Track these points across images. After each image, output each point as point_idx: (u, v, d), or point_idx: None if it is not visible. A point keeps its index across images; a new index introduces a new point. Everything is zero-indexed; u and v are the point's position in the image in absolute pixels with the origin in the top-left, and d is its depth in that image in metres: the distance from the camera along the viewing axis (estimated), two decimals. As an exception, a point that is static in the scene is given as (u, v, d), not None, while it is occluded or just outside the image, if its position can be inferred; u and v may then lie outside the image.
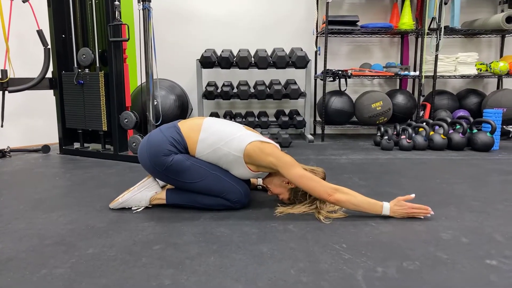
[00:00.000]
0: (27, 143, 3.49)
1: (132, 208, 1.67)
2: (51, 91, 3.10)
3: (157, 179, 1.71)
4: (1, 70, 2.88)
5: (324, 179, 1.62)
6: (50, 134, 3.53)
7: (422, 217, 1.54)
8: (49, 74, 3.02)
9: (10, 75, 2.93)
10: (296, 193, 1.64)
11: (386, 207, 1.51)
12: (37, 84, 2.90)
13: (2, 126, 3.04)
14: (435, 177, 2.24)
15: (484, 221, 1.51)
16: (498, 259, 1.18)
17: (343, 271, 1.11)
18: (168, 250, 1.26)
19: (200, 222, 1.51)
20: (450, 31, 3.73)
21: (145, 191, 1.67)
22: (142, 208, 1.68)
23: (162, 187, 1.73)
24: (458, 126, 3.28)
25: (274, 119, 4.05)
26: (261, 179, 2.01)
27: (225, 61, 3.58)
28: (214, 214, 1.59)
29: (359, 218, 1.53)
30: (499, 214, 1.59)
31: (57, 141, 3.31)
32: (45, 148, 3.14)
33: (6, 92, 2.80)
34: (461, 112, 3.80)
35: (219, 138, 1.57)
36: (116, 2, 2.46)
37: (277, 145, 1.62)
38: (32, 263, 1.18)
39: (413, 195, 1.53)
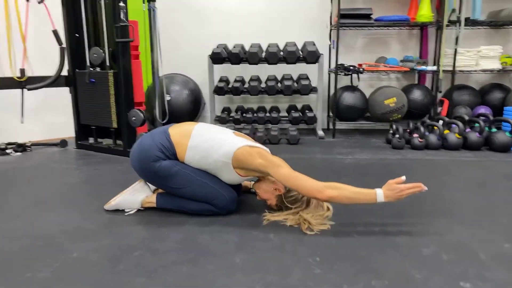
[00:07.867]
0: (48, 136, 3.66)
1: (125, 211, 1.74)
2: (68, 88, 3.22)
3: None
4: (20, 69, 3.04)
5: None
6: (68, 129, 3.69)
7: (419, 192, 1.40)
8: (65, 72, 3.14)
9: (29, 73, 3.08)
10: (283, 200, 1.64)
11: (379, 194, 1.41)
12: (54, 82, 3.04)
13: (22, 122, 3.21)
14: (439, 181, 2.16)
15: (474, 235, 1.46)
16: (473, 282, 1.14)
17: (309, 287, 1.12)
18: (147, 257, 1.31)
19: (185, 228, 1.55)
20: (471, 23, 3.53)
21: (137, 194, 1.72)
22: (135, 210, 1.74)
23: (154, 191, 1.78)
24: (476, 125, 3.12)
25: (286, 114, 4.02)
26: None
27: (235, 57, 3.57)
28: (200, 220, 1.63)
29: (343, 228, 1.52)
30: (492, 228, 1.52)
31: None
32: (63, 143, 3.30)
33: (25, 90, 2.94)
34: (482, 109, 3.62)
35: (209, 146, 1.59)
36: (121, 4, 2.51)
37: (267, 149, 1.62)
38: (19, 264, 1.26)
39: (403, 177, 1.41)
